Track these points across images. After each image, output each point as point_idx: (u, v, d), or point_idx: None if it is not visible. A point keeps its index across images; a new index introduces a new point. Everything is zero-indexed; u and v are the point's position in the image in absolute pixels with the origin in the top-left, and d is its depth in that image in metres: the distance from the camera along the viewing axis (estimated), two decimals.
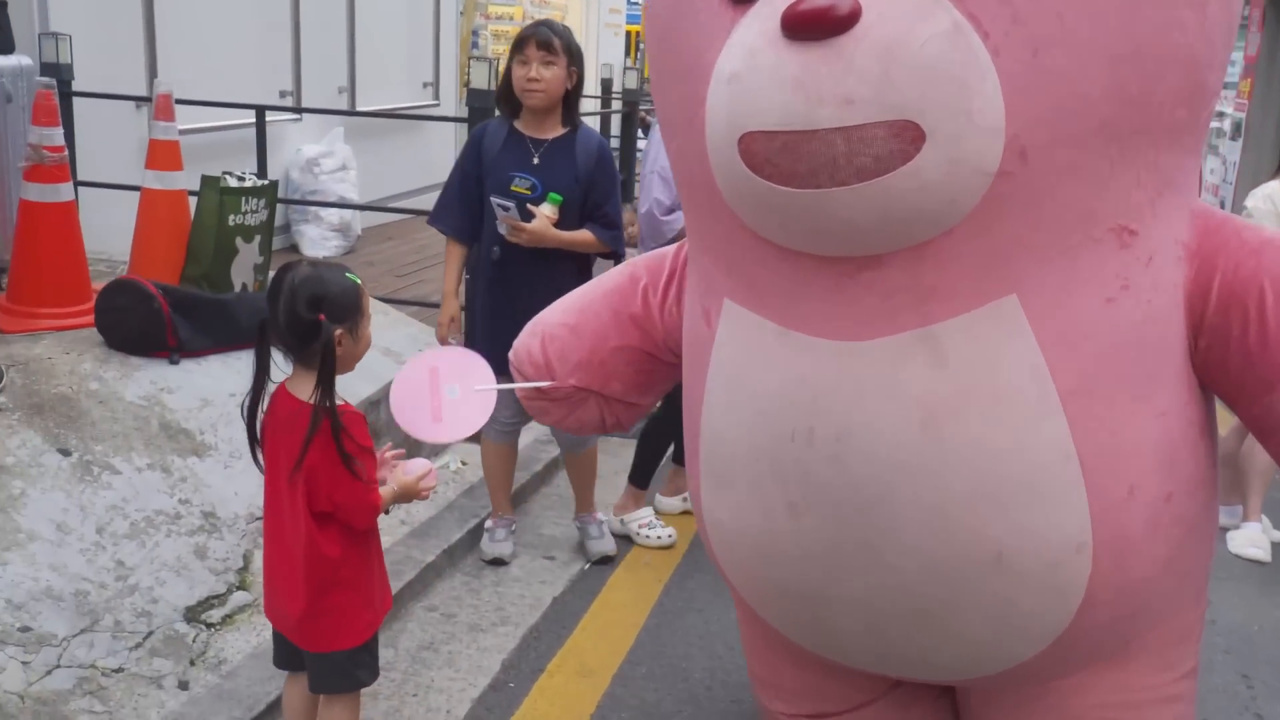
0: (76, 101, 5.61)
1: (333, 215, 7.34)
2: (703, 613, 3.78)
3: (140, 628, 3.05)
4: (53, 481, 3.35)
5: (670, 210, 4.08)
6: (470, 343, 3.96)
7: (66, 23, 5.63)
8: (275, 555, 2.46)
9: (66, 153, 4.25)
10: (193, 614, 3.19)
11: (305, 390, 2.37)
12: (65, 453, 3.47)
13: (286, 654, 2.56)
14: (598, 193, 3.83)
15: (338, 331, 2.34)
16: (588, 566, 4.12)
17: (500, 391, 3.99)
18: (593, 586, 3.96)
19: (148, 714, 2.82)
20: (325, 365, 2.33)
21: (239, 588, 3.37)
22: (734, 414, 2.10)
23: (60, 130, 4.22)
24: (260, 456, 2.48)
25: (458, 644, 3.48)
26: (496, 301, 3.87)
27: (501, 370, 3.95)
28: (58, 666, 2.82)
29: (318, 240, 7.35)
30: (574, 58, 3.78)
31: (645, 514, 4.38)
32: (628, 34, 17.81)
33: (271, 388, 2.47)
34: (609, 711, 3.16)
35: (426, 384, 2.53)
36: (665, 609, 3.80)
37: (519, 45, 3.76)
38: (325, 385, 2.34)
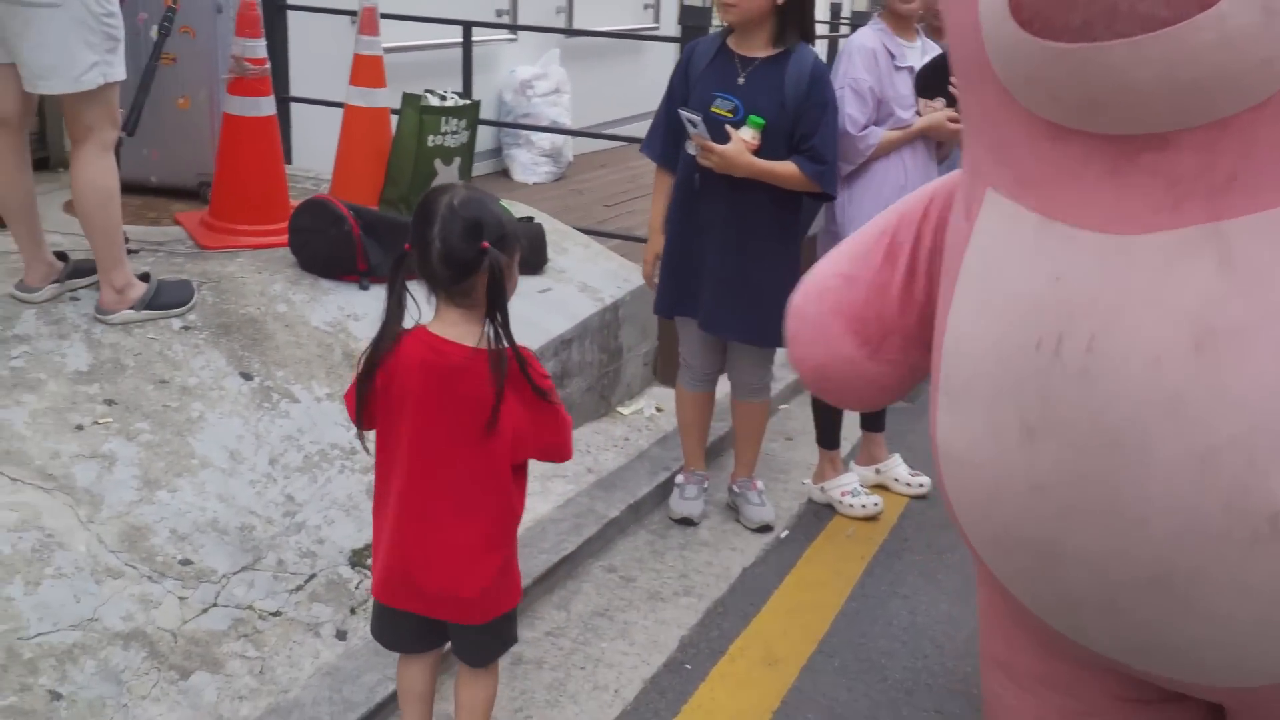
0: (292, 15, 5.53)
1: (544, 140, 7.12)
2: (909, 600, 3.39)
3: (303, 569, 2.90)
4: (232, 406, 3.23)
5: (865, 126, 3.63)
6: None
7: None
8: (437, 530, 2.17)
9: (268, 65, 4.11)
10: (358, 558, 3.02)
11: (463, 332, 2.11)
12: (247, 376, 3.35)
13: (410, 633, 2.31)
14: (806, 122, 3.42)
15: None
16: (784, 535, 3.78)
17: (694, 335, 3.69)
18: (788, 558, 3.62)
19: (301, 663, 2.66)
20: (497, 299, 2.08)
21: None
22: (978, 318, 1.78)
23: (263, 42, 4.09)
24: (362, 418, 2.22)
25: (634, 613, 3.21)
26: (685, 237, 3.56)
27: (682, 312, 3.64)
28: (214, 605, 2.69)
29: (528, 165, 7.15)
30: None
31: (849, 480, 3.99)
32: None
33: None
34: (794, 709, 2.83)
35: None
36: (866, 592, 3.43)
37: None
38: (504, 321, 2.09)
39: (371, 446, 2.25)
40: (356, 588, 2.92)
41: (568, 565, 3.36)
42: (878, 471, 4.16)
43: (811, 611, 3.29)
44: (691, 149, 3.42)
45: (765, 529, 3.76)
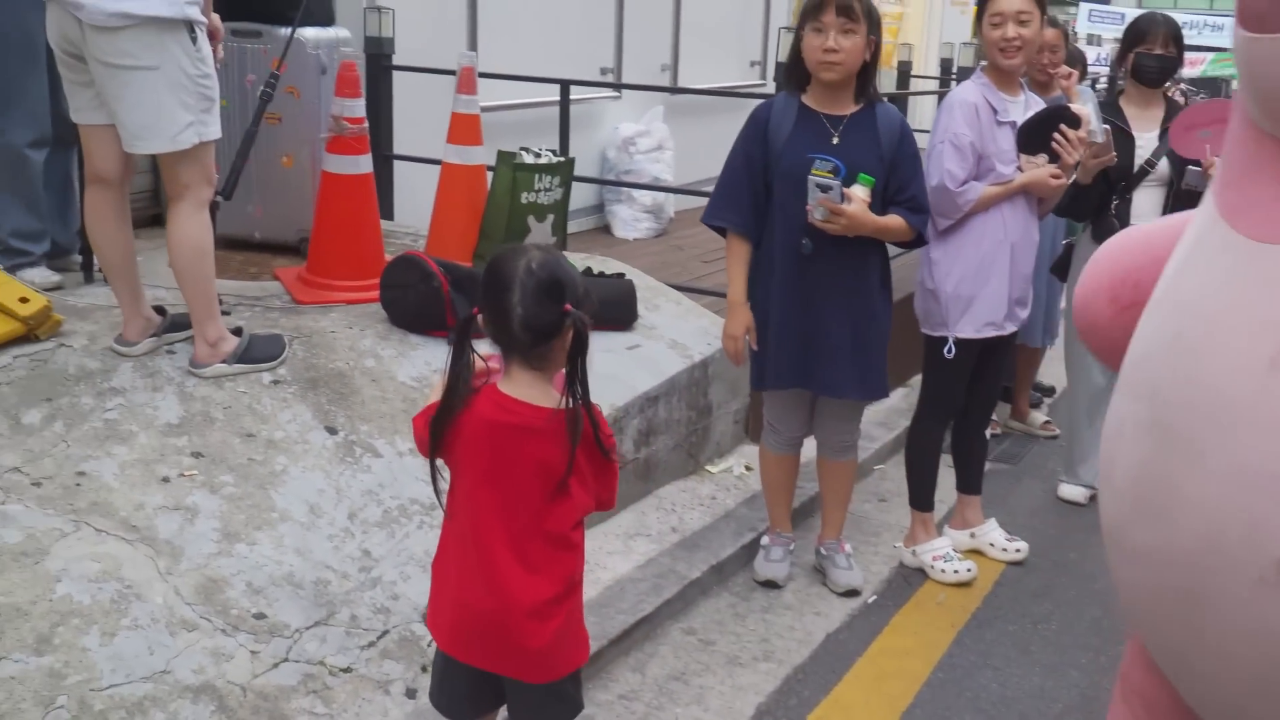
0: (396, 75, 5.66)
1: (646, 196, 7.16)
2: (1000, 672, 3.24)
3: (376, 625, 2.90)
4: (315, 460, 3.27)
5: (964, 181, 3.55)
6: (761, 353, 3.53)
7: None
8: (505, 585, 2.14)
9: (366, 124, 4.21)
10: None
11: (535, 393, 2.10)
12: (332, 431, 3.39)
13: (469, 695, 2.28)
14: (902, 174, 3.39)
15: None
16: (872, 600, 3.66)
17: (783, 399, 3.60)
18: (874, 624, 3.50)
19: None
20: (580, 359, 2.07)
21: None
22: (1149, 315, 1.80)
23: (361, 101, 4.19)
24: (439, 478, 2.19)
25: (711, 678, 3.14)
26: (802, 301, 3.43)
27: (797, 383, 3.54)
28: (285, 660, 2.69)
29: (629, 221, 7.18)
30: (874, 25, 3.32)
31: (941, 545, 3.86)
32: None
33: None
34: None
35: None
36: (955, 662, 3.29)
37: (814, 10, 3.29)
38: (584, 382, 2.09)
39: (444, 482, 2.23)
40: (429, 645, 2.91)
41: (646, 626, 3.30)
42: (972, 535, 4.02)
43: (895, 681, 3.17)
44: (820, 214, 3.29)
45: (852, 594, 3.65)
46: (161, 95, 3.15)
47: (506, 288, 2.06)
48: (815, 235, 3.36)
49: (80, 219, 4.07)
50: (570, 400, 2.08)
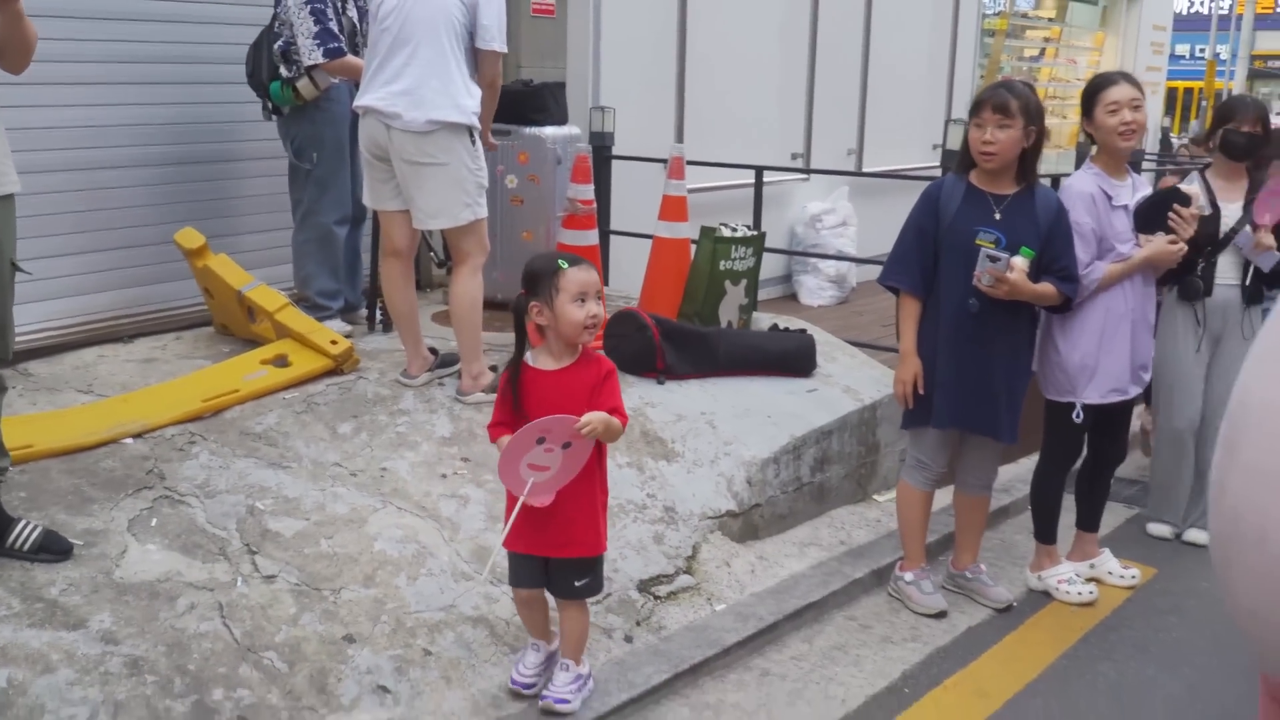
0: (615, 164, 6.64)
1: (830, 267, 7.93)
2: (1119, 664, 3.82)
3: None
4: None
5: (1088, 264, 4.10)
6: (930, 395, 4.03)
7: (614, 98, 6.70)
8: None
9: (595, 205, 5.15)
10: (644, 586, 3.82)
11: None
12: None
13: None
14: (1055, 248, 3.95)
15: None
16: (1015, 604, 4.24)
17: (937, 439, 4.17)
18: (1012, 622, 4.12)
19: (598, 655, 3.47)
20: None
21: (685, 572, 3.97)
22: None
23: (591, 187, 5.14)
24: None
25: (867, 650, 3.84)
26: (971, 354, 3.98)
27: (958, 423, 4.11)
28: None
29: (814, 290, 7.96)
30: (1032, 117, 3.88)
31: (1064, 569, 4.39)
32: (1168, 90, 17.15)
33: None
34: None
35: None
36: (1079, 654, 3.88)
37: (975, 108, 3.94)
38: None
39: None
40: (641, 607, 3.73)
41: (814, 610, 4.02)
42: (1091, 566, 4.49)
43: (1025, 661, 3.79)
44: (987, 280, 3.85)
45: (1009, 608, 4.19)
46: (449, 184, 4.16)
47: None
48: (980, 296, 3.93)
49: (365, 282, 5.15)
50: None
